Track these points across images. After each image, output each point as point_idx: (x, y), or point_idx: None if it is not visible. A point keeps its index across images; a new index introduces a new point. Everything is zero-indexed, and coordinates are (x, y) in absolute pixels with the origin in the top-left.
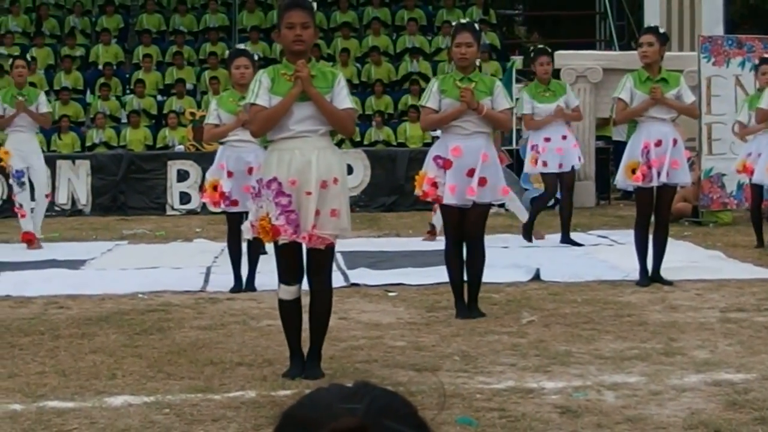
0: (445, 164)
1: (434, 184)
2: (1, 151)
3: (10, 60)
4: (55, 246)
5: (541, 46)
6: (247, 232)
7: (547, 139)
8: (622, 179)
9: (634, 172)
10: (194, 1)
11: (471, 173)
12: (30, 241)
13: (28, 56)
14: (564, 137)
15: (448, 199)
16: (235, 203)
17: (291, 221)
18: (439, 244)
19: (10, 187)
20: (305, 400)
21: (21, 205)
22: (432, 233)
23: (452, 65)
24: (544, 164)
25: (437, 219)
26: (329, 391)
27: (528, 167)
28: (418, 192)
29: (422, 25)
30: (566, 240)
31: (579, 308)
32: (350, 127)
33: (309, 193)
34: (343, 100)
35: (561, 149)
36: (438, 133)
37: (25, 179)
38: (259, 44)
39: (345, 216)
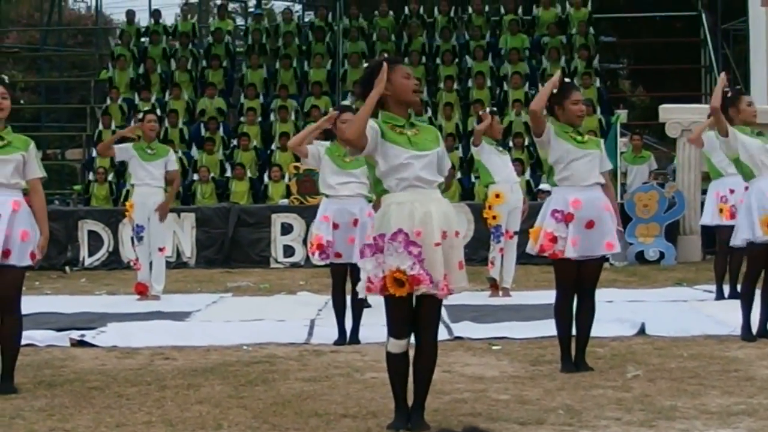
0: (566, 218)
1: (553, 239)
2: (128, 204)
3: (140, 114)
4: (162, 298)
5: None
6: (362, 290)
7: (732, 191)
8: (761, 233)
9: None
10: (298, 55)
11: (590, 225)
12: (141, 292)
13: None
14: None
15: (570, 253)
16: (338, 255)
17: (426, 271)
18: (539, 298)
19: (117, 240)
20: None
21: (137, 258)
22: (495, 287)
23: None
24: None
25: (495, 272)
26: None
27: (712, 217)
28: (533, 248)
29: (525, 77)
30: (734, 294)
31: (685, 363)
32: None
33: (438, 244)
34: (448, 159)
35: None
36: (546, 186)
37: (143, 234)
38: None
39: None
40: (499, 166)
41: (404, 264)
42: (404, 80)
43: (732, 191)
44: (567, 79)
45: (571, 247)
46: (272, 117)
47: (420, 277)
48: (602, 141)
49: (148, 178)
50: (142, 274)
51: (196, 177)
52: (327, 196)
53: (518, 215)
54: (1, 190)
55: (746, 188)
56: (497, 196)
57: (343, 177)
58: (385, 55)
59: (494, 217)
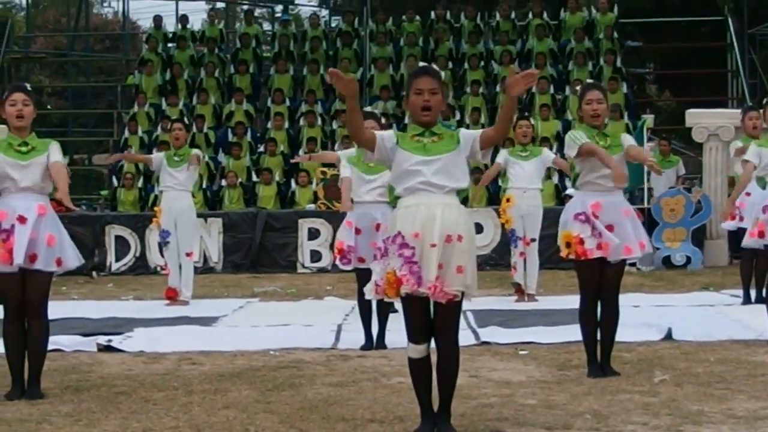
0: (588, 219)
1: (581, 242)
2: (157, 209)
3: (169, 124)
4: (190, 303)
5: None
6: (369, 292)
7: (748, 194)
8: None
9: None
10: (325, 60)
11: (609, 229)
12: (171, 297)
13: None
14: None
15: (597, 253)
16: (361, 260)
17: (413, 272)
18: (566, 302)
19: (144, 245)
20: None
21: (166, 263)
22: (520, 291)
23: (575, 123)
24: (741, 219)
25: (519, 277)
26: None
27: (727, 223)
28: (565, 251)
29: (552, 81)
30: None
31: (711, 367)
32: None
33: (433, 245)
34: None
35: None
36: (571, 191)
37: (170, 239)
38: (387, 104)
39: (471, 274)
40: (515, 172)
41: (396, 266)
42: (414, 96)
43: (748, 194)
44: (589, 80)
45: (596, 248)
46: (302, 122)
47: (402, 278)
48: (625, 133)
49: (173, 183)
50: (172, 278)
51: (223, 182)
52: (352, 201)
53: (535, 222)
54: (27, 194)
55: None
56: (507, 200)
57: (367, 183)
58: (413, 59)
59: (507, 222)
